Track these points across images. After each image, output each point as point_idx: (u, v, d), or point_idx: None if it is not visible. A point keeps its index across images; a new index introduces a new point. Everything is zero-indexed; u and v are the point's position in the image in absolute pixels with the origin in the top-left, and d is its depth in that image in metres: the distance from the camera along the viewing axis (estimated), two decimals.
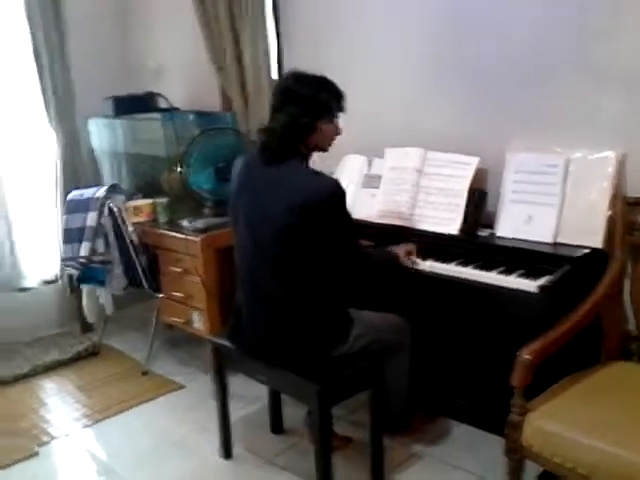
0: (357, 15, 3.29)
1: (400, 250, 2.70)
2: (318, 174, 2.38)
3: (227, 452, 2.82)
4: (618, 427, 1.99)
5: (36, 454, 2.96)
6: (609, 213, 2.47)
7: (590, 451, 1.94)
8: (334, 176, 3.08)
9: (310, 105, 2.36)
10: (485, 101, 2.90)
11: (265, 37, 3.55)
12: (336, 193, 2.34)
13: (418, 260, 2.69)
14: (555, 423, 2.05)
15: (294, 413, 2.95)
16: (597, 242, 2.47)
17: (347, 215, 2.42)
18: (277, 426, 2.98)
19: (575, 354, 2.36)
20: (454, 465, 2.68)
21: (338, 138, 2.52)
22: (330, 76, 2.47)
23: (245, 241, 2.46)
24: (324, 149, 2.50)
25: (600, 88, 2.56)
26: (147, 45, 4.46)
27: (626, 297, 2.48)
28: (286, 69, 3.55)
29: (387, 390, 2.59)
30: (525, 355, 2.10)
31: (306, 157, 2.45)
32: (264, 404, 3.02)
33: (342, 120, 2.50)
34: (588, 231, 2.49)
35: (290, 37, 3.61)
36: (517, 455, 2.12)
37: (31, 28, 3.88)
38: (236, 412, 3.01)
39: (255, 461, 2.81)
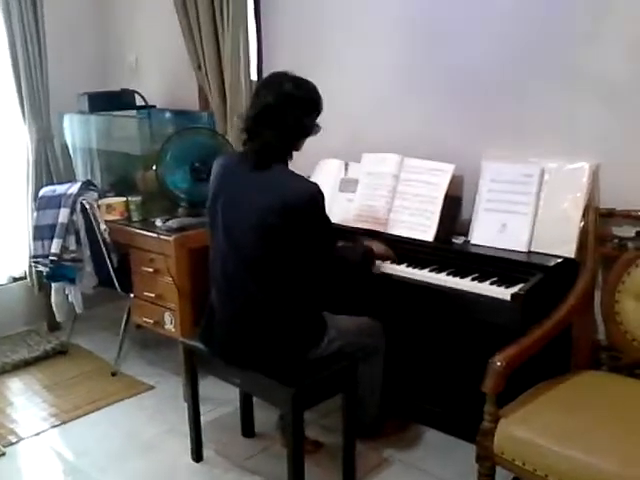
0: (337, 19, 3.29)
1: (372, 244, 2.73)
2: (299, 177, 2.40)
3: (198, 455, 2.80)
4: (588, 435, 2.02)
5: (3, 454, 2.91)
6: (582, 223, 2.50)
7: (561, 459, 1.96)
8: (311, 179, 3.11)
9: (311, 108, 2.43)
10: (462, 109, 2.92)
11: (246, 38, 3.53)
12: (316, 196, 2.35)
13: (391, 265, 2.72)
14: (526, 430, 2.07)
15: (265, 417, 2.95)
16: (570, 252, 2.50)
17: (326, 219, 2.44)
18: (248, 429, 2.97)
19: (545, 362, 2.39)
20: (425, 471, 2.69)
21: (316, 142, 2.54)
22: (309, 78, 2.48)
23: (222, 242, 2.45)
24: (299, 150, 2.51)
25: (576, 98, 2.59)
26: (125, 41, 4.42)
27: (597, 307, 2.51)
28: (266, 70, 3.54)
29: (360, 394, 2.59)
30: (497, 362, 2.11)
31: (287, 162, 2.46)
32: (235, 407, 3.01)
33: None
34: (561, 241, 2.52)
35: (270, 38, 3.61)
36: (488, 462, 2.13)
37: (7, 21, 3.82)
38: (207, 414, 3.00)
39: (226, 464, 2.79)
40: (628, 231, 2.47)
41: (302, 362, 2.42)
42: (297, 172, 2.44)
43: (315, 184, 2.40)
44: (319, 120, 2.47)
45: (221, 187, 2.47)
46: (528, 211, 2.61)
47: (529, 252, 2.58)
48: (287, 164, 2.44)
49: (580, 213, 2.51)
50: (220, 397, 3.16)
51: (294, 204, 2.29)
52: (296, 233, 2.32)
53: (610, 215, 2.49)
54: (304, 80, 2.43)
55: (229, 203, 2.41)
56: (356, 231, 2.95)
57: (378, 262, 2.72)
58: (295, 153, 2.49)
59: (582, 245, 2.49)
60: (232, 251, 2.41)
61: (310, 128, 2.43)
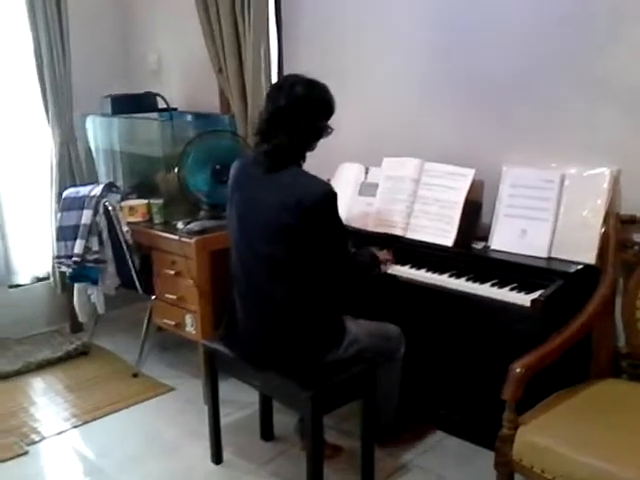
0: (358, 24, 3.30)
1: (380, 254, 2.75)
2: (312, 177, 2.41)
3: (217, 457, 2.82)
4: (608, 443, 2.00)
5: (26, 453, 2.95)
6: (602, 229, 2.48)
7: (580, 467, 1.95)
8: (331, 182, 3.12)
9: (324, 110, 2.46)
10: (483, 114, 2.92)
11: (267, 41, 3.55)
12: (330, 195, 2.38)
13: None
14: (546, 438, 2.07)
15: (284, 420, 2.96)
16: (590, 258, 2.49)
17: (339, 218, 2.46)
18: (267, 432, 2.98)
19: (565, 369, 2.38)
20: (443, 477, 2.68)
21: (337, 146, 2.56)
22: (331, 83, 2.50)
23: (240, 244, 2.48)
24: (312, 150, 2.53)
25: (597, 104, 2.58)
26: (147, 45, 4.45)
27: (617, 314, 2.49)
28: (287, 73, 3.55)
29: (379, 399, 2.60)
30: (517, 369, 2.11)
31: (300, 164, 2.48)
32: (254, 410, 3.03)
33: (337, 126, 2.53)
34: (582, 247, 2.51)
35: (291, 42, 3.62)
36: (507, 469, 2.13)
37: (32, 24, 3.86)
38: (226, 417, 3.01)
39: (244, 467, 2.81)
40: None
41: (321, 364, 2.44)
42: (314, 174, 2.44)
43: (328, 184, 2.43)
44: (334, 121, 2.49)
45: (237, 190, 2.50)
46: (548, 217, 2.60)
47: (549, 258, 2.58)
48: (300, 166, 2.46)
49: (601, 219, 2.49)
50: (240, 400, 3.19)
51: (309, 204, 2.31)
52: (311, 233, 2.34)
53: (631, 221, 2.47)
54: (316, 82, 2.45)
55: (245, 206, 2.45)
56: (375, 235, 2.95)
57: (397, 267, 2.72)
58: (316, 156, 2.51)
59: (603, 251, 2.48)
60: (250, 253, 2.43)
61: (322, 130, 2.45)
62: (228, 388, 2.93)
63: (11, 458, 2.90)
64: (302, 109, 2.38)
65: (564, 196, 2.60)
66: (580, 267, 2.48)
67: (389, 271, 2.75)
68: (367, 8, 3.24)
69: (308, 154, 2.51)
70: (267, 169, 2.40)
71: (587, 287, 2.46)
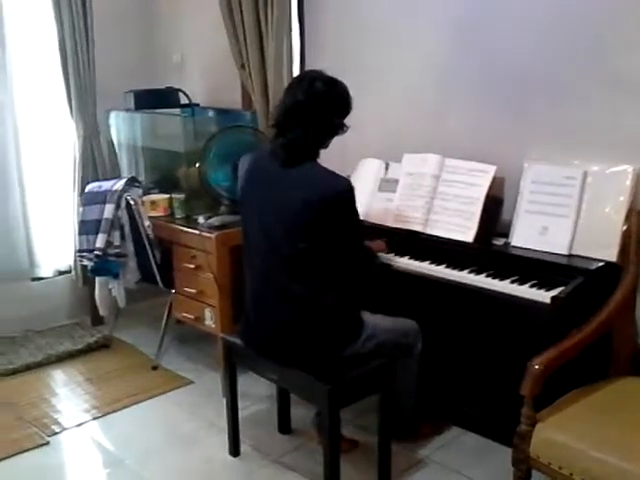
0: (378, 21, 3.30)
1: (373, 245, 2.77)
2: (330, 172, 2.42)
3: (235, 449, 2.84)
4: (626, 442, 1.99)
5: (47, 443, 2.98)
6: (624, 227, 2.47)
7: (597, 464, 1.94)
8: (351, 179, 3.13)
9: (342, 107, 2.47)
10: (504, 110, 2.91)
11: (289, 37, 3.57)
12: (349, 189, 2.39)
13: (426, 264, 2.75)
14: (564, 434, 2.06)
15: (302, 414, 2.97)
16: (612, 256, 2.47)
17: (358, 213, 2.47)
18: (285, 426, 2.99)
19: (585, 367, 2.36)
20: (461, 473, 2.68)
21: (358, 142, 2.56)
22: (352, 79, 2.50)
23: (258, 237, 2.48)
24: (326, 148, 2.54)
25: (619, 101, 2.56)
26: (171, 40, 4.48)
27: (638, 312, 2.48)
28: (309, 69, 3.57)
29: (396, 395, 2.60)
30: (535, 365, 2.11)
31: (316, 159, 2.48)
32: (272, 403, 3.05)
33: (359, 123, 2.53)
34: (603, 244, 2.50)
35: (313, 40, 3.63)
36: (524, 465, 2.12)
37: (58, 19, 3.90)
38: (244, 410, 3.03)
39: (262, 460, 2.82)
40: None
41: (339, 359, 2.44)
42: (335, 169, 2.44)
43: (347, 179, 2.44)
44: (356, 117, 2.50)
45: (252, 185, 2.52)
46: (570, 214, 2.59)
47: (570, 255, 2.56)
48: (316, 161, 2.47)
49: (623, 216, 2.48)
50: (258, 393, 3.21)
51: (329, 198, 2.32)
52: (331, 227, 2.35)
53: None
54: (336, 80, 2.46)
55: (264, 200, 2.45)
56: (395, 231, 2.95)
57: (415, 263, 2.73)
58: (338, 152, 2.52)
59: (624, 249, 2.46)
60: (269, 247, 2.44)
61: (338, 127, 2.46)
62: (247, 381, 2.96)
63: (33, 448, 2.93)
64: (320, 105, 2.39)
65: (586, 193, 2.58)
66: (601, 264, 2.46)
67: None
68: (387, 5, 3.24)
69: (327, 150, 2.52)
70: (283, 163, 2.41)
71: (608, 284, 2.44)
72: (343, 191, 2.36)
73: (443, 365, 2.93)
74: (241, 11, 3.60)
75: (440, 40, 3.09)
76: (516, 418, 2.14)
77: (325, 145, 2.50)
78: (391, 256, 2.85)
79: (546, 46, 2.74)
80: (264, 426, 3.04)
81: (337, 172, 2.42)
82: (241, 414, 2.86)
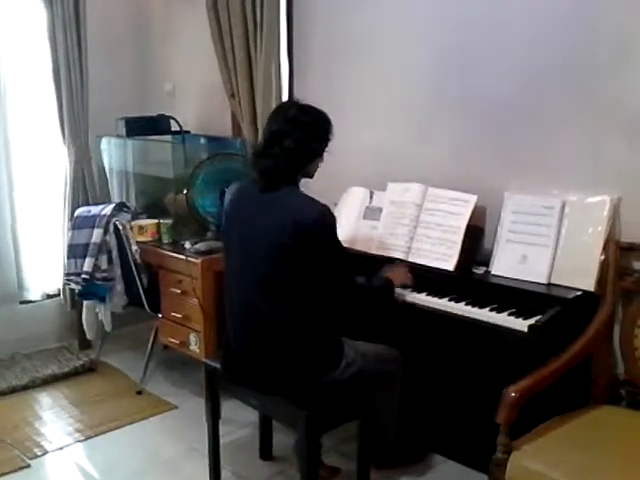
0: (366, 51, 3.35)
1: (392, 273, 2.75)
2: (309, 198, 2.44)
3: (216, 475, 2.81)
4: (601, 472, 2.00)
5: (28, 466, 2.98)
6: (602, 257, 2.49)
7: None
8: (337, 207, 3.17)
9: (317, 133, 2.48)
10: (486, 140, 2.95)
11: (278, 68, 3.62)
12: (327, 216, 2.40)
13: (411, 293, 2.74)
14: (539, 463, 2.07)
15: (284, 440, 2.97)
16: (589, 285, 2.49)
17: (337, 241, 2.47)
18: (266, 452, 2.99)
19: (565, 395, 2.38)
20: None
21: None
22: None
23: (237, 264, 2.50)
24: (311, 177, 2.57)
25: (599, 132, 2.60)
26: (163, 68, 4.55)
27: (616, 341, 2.50)
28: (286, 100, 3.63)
29: (377, 422, 2.61)
30: (511, 393, 2.12)
31: (297, 185, 2.51)
32: (255, 429, 3.05)
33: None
34: (581, 274, 2.52)
35: (302, 68, 3.68)
36: None
37: (52, 46, 3.97)
38: (227, 436, 3.03)
39: None
40: None
41: (318, 385, 2.44)
42: (320, 197, 2.46)
43: (325, 205, 2.43)
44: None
45: (234, 211, 2.55)
46: (549, 243, 2.62)
47: (549, 284, 2.59)
48: (297, 186, 2.50)
49: (601, 246, 2.50)
50: (242, 419, 3.21)
51: (305, 225, 2.33)
52: (308, 253, 2.36)
53: (631, 249, 2.48)
54: (312, 107, 2.51)
55: (243, 226, 2.48)
56: (378, 259, 2.98)
57: (398, 290, 2.74)
58: (325, 180, 2.54)
59: (602, 279, 2.49)
60: (247, 273, 2.45)
61: (315, 152, 2.49)
62: (231, 406, 2.95)
63: (13, 471, 2.93)
64: (292, 130, 2.42)
65: (565, 223, 2.62)
66: (579, 293, 2.49)
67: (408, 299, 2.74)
68: (377, 35, 3.30)
69: (316, 178, 2.56)
70: (262, 189, 2.45)
71: (586, 314, 2.47)
72: (317, 218, 2.36)
73: (424, 393, 2.93)
74: (232, 42, 3.67)
75: (425, 72, 3.14)
76: (495, 446, 2.14)
77: (307, 171, 2.52)
78: None
79: (525, 78, 2.78)
80: (246, 452, 3.04)
81: (314, 198, 2.44)
82: (224, 439, 2.86)
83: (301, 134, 2.42)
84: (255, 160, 2.50)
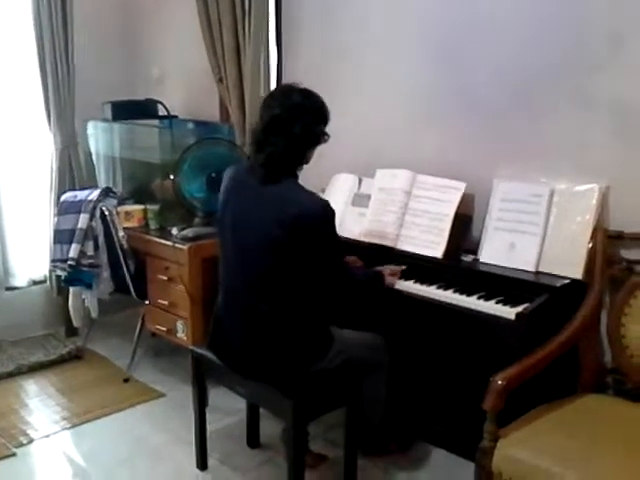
0: (356, 38, 3.32)
1: (385, 270, 2.73)
2: (309, 192, 2.41)
3: (203, 463, 2.82)
4: (588, 459, 2.00)
5: (13, 455, 2.96)
6: (590, 245, 2.49)
7: None
8: (324, 193, 3.15)
9: (320, 117, 2.46)
10: (476, 128, 2.94)
11: (266, 53, 3.59)
12: (328, 212, 2.37)
13: (398, 281, 2.73)
14: (526, 451, 2.07)
15: (272, 428, 2.96)
16: (577, 273, 2.49)
17: (336, 236, 2.45)
18: (254, 440, 2.99)
19: (552, 383, 2.38)
20: None
21: (333, 157, 2.56)
22: (328, 94, 2.51)
23: (230, 253, 2.49)
24: (308, 162, 2.53)
25: (588, 121, 2.59)
26: (150, 52, 4.50)
27: (603, 329, 2.50)
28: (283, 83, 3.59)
29: (363, 409, 2.60)
30: (498, 381, 2.12)
31: (297, 176, 2.47)
32: (242, 417, 3.03)
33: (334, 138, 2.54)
34: (569, 262, 2.52)
35: (291, 54, 3.65)
36: None
37: (37, 29, 3.90)
38: (215, 423, 3.03)
39: (229, 474, 2.81)
40: (636, 254, 2.46)
41: (305, 374, 2.44)
42: (309, 187, 2.44)
43: (326, 200, 2.41)
44: (331, 132, 2.49)
45: (230, 200, 2.51)
46: (537, 231, 2.61)
47: (537, 272, 2.58)
48: (297, 177, 2.46)
49: (589, 235, 2.50)
50: (229, 407, 3.19)
51: (305, 219, 2.30)
52: (304, 248, 2.33)
53: (619, 237, 2.48)
54: (311, 91, 2.46)
55: (239, 217, 2.44)
56: (366, 246, 2.96)
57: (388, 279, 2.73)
58: (313, 167, 2.52)
59: (590, 267, 2.48)
60: (240, 264, 2.44)
61: (319, 136, 2.45)
62: (219, 394, 2.95)
63: None
64: (299, 116, 2.38)
65: (553, 211, 2.61)
66: (566, 282, 2.48)
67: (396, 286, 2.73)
68: (366, 22, 3.27)
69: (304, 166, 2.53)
70: (262, 180, 2.39)
71: (573, 302, 2.47)
72: (317, 213, 2.34)
73: (411, 380, 2.93)
74: (220, 26, 3.63)
75: (414, 60, 3.12)
76: (482, 434, 2.14)
77: (307, 159, 2.48)
78: None
79: (515, 67, 2.77)
80: (233, 440, 3.03)
81: (315, 193, 2.42)
82: (211, 427, 2.87)
83: (308, 119, 2.39)
84: (256, 148, 2.43)
